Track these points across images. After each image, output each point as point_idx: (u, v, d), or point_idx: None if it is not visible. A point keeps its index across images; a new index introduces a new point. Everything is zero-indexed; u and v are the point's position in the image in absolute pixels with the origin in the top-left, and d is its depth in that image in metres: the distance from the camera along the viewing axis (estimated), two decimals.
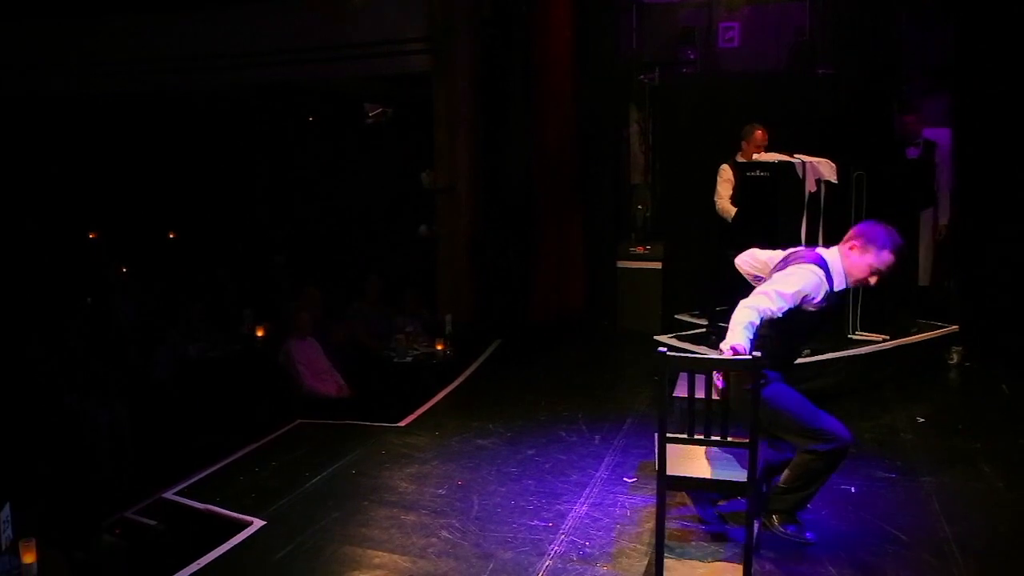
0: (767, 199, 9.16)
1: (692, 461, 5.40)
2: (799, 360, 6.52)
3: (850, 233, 5.71)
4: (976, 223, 11.26)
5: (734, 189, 10.13)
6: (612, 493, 6.76)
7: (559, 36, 12.62)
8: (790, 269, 5.56)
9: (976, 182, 11.31)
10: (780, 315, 5.33)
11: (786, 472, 5.76)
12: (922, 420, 8.34)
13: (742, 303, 5.33)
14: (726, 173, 10.30)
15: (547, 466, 7.37)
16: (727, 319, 5.33)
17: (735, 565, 5.39)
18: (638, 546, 5.81)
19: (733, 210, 10.12)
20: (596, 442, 7.95)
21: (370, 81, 14.67)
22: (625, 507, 6.47)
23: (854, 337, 9.60)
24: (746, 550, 5.07)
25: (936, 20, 11.84)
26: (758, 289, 5.45)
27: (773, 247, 6.13)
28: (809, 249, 5.89)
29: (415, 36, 13.07)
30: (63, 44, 14.94)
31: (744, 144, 10.30)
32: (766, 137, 10.19)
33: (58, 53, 14.95)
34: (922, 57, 11.95)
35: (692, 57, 12.85)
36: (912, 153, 10.90)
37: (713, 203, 10.38)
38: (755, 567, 5.23)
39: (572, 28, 12.67)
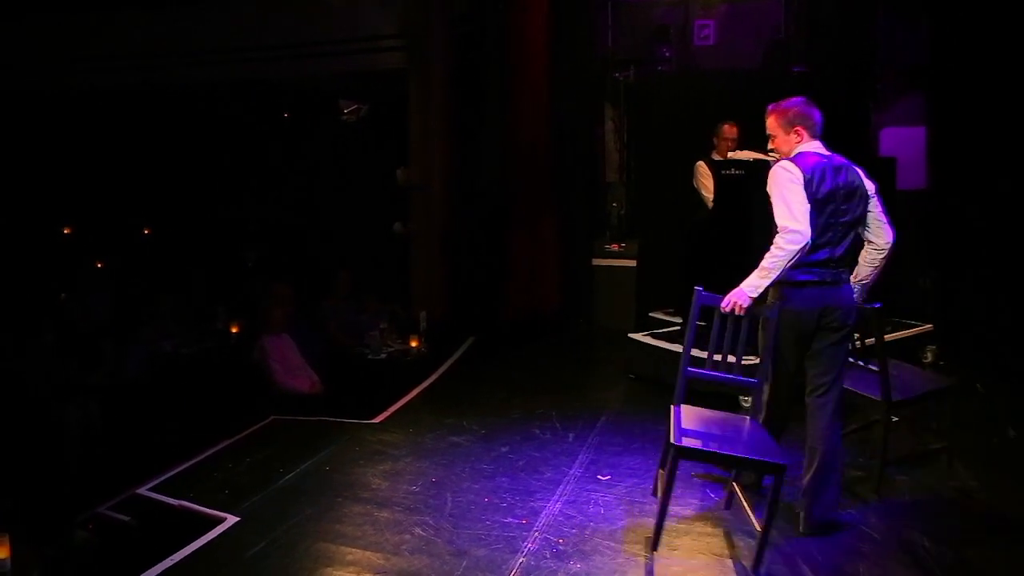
0: (741, 198, 9.14)
1: None
2: None
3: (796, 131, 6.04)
4: (951, 222, 11.29)
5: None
6: (586, 491, 6.74)
7: (534, 33, 12.57)
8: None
9: (950, 181, 11.35)
10: None
11: None
12: (896, 419, 8.35)
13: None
14: (703, 169, 10.29)
15: (521, 463, 7.36)
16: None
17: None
18: (612, 544, 5.81)
19: None
20: (570, 440, 7.94)
21: (345, 78, 14.62)
22: (599, 505, 6.46)
23: None
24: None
25: (912, 19, 11.89)
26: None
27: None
28: (838, 161, 6.11)
29: (390, 33, 13.03)
30: (33, 40, 14.85)
31: (716, 141, 10.33)
32: (734, 130, 10.22)
33: (28, 49, 14.86)
34: (898, 56, 12.00)
35: (667, 55, 12.84)
36: None
37: (686, 200, 10.38)
38: (726, 565, 5.22)
39: (547, 25, 12.64)
